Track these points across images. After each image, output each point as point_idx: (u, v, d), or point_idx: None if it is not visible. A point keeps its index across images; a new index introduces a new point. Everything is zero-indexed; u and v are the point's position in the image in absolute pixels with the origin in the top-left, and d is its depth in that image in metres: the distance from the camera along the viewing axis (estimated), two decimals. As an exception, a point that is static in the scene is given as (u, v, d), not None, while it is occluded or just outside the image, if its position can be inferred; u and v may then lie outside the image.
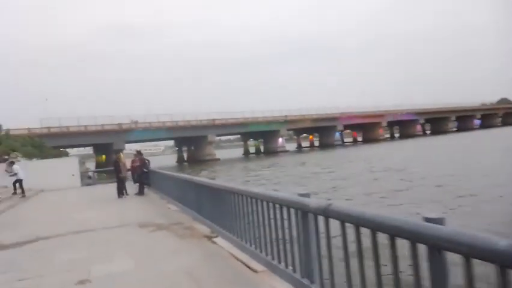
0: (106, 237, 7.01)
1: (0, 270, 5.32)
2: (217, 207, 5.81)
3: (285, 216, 3.58)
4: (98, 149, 74.53)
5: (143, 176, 13.61)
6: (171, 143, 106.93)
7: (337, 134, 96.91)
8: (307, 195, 3.21)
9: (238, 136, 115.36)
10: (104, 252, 5.78)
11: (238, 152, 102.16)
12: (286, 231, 3.57)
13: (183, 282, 4.08)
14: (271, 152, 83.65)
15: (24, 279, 4.75)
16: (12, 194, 15.61)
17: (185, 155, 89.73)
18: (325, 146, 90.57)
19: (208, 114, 76.38)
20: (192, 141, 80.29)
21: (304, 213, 3.15)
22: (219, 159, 74.38)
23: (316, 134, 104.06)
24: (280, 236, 3.78)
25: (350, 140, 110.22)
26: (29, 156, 32.56)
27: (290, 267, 3.60)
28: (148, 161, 14.09)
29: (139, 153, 14.11)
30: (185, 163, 78.44)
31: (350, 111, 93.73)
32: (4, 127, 36.66)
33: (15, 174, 16.40)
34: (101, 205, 12.17)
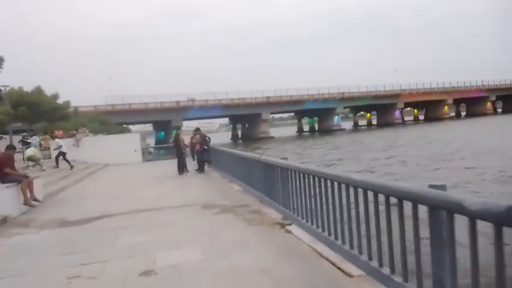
0: (170, 218, 6.60)
1: (64, 251, 5.05)
2: (292, 191, 5.07)
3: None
4: (158, 125, 77.33)
5: (204, 153, 13.27)
6: (226, 120, 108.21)
7: (397, 112, 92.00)
8: (442, 187, 2.32)
9: (292, 114, 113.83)
10: (169, 237, 5.32)
11: (292, 130, 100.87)
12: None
13: (262, 285, 3.40)
14: (326, 130, 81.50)
15: (87, 264, 4.39)
16: (55, 167, 15.90)
17: (239, 133, 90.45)
18: (384, 124, 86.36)
19: (263, 92, 75.67)
20: (246, 119, 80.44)
21: (439, 210, 2.27)
22: (273, 137, 73.96)
23: (373, 112, 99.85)
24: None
25: (411, 118, 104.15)
26: (95, 131, 34.31)
27: (399, 277, 2.78)
28: (209, 138, 13.72)
29: (198, 129, 13.75)
30: (240, 140, 78.90)
31: (412, 88, 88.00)
32: (73, 104, 38.69)
33: (60, 147, 16.86)
34: (163, 182, 12.02)
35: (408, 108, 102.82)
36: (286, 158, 5.77)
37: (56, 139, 17.82)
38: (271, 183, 6.13)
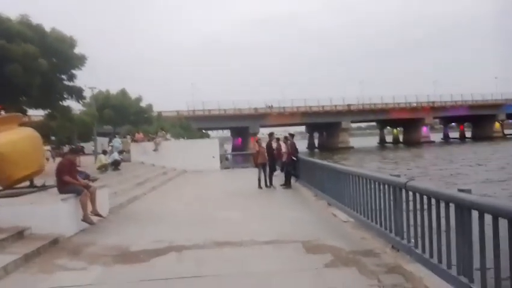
0: (262, 268, 4.49)
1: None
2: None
3: None
4: (235, 132, 77.63)
5: (292, 165, 11.12)
6: (301, 128, 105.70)
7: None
8: None
9: (371, 123, 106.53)
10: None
11: (371, 140, 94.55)
12: None
13: None
14: (411, 142, 74.57)
15: None
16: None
17: (316, 142, 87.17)
18: (479, 138, 76.49)
19: (344, 99, 71.81)
20: (324, 127, 77.14)
21: None
22: (352, 147, 69.72)
23: (466, 124, 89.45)
24: None
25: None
26: (177, 136, 34.40)
27: None
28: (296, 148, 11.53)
29: (290, 135, 11.62)
30: (316, 150, 75.76)
31: (517, 98, 77.06)
32: (156, 109, 39.48)
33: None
34: (247, 198, 10.10)
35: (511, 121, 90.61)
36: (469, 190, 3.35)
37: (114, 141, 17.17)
38: (421, 223, 3.75)
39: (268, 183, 11.44)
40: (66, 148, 20.00)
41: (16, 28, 11.27)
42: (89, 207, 6.85)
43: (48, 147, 21.17)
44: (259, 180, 11.46)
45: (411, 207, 4.16)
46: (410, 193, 4.07)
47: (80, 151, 8.61)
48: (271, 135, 12.15)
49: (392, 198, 4.53)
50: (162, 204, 9.76)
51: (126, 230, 6.71)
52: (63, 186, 6.69)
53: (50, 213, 6.11)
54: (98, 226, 6.90)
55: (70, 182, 6.68)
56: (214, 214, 8.00)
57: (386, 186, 4.65)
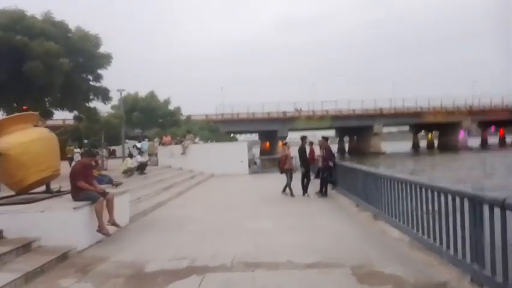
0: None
1: None
2: None
3: None
4: (263, 136, 76.78)
5: (328, 171, 10.11)
6: (331, 132, 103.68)
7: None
8: None
9: (403, 128, 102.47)
10: None
11: (404, 145, 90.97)
12: None
13: None
14: (448, 147, 71.04)
15: None
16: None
17: (346, 146, 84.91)
18: (520, 143, 71.91)
19: (376, 102, 69.40)
20: (355, 131, 74.95)
21: None
22: (384, 152, 67.19)
23: (509, 128, 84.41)
24: None
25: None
26: (205, 139, 34.00)
27: None
28: (337, 152, 10.54)
29: (324, 139, 10.64)
30: (347, 155, 73.63)
31: None
32: (185, 112, 39.29)
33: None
34: (279, 207, 9.18)
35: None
36: None
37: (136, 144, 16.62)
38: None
39: (302, 191, 10.51)
40: (103, 151, 19.77)
41: (39, 25, 10.95)
42: (106, 216, 6.17)
43: (78, 150, 21.08)
44: (289, 187, 10.63)
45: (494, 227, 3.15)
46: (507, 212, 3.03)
47: (96, 154, 7.99)
48: (304, 138, 11.15)
49: (474, 217, 3.50)
50: (188, 211, 9.00)
51: (145, 242, 5.95)
52: (77, 193, 6.03)
53: (60, 223, 5.45)
54: (115, 237, 6.19)
55: (85, 187, 6.01)
56: (243, 223, 7.15)
57: (466, 201, 3.62)
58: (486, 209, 3.33)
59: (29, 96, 11.40)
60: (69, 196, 6.32)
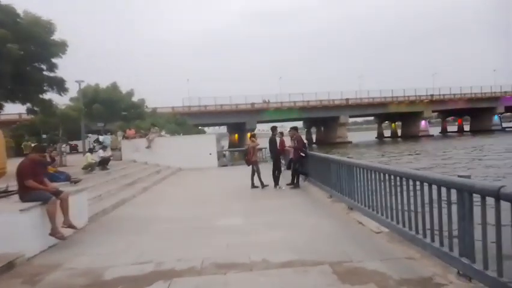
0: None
1: None
2: None
3: None
4: (232, 128, 76.18)
5: (300, 161, 9.84)
6: (299, 123, 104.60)
7: (495, 118, 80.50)
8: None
9: (367, 118, 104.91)
10: None
11: (368, 135, 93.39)
12: None
13: None
14: (410, 136, 73.59)
15: None
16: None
17: (314, 137, 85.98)
18: (478, 131, 75.62)
19: (342, 93, 70.52)
20: (322, 122, 76.03)
21: None
22: (350, 142, 68.75)
23: (466, 118, 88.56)
24: None
25: (511, 125, 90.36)
26: (172, 132, 32.98)
27: None
28: (306, 142, 10.29)
29: (294, 129, 10.38)
30: (314, 145, 74.53)
31: (517, 90, 76.15)
32: (150, 105, 37.97)
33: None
34: (250, 200, 8.85)
35: (509, 113, 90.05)
36: None
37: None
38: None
39: (274, 184, 10.21)
40: (62, 146, 18.52)
41: (-19, 8, 9.82)
42: (61, 218, 5.56)
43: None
44: (259, 177, 10.36)
45: (488, 218, 2.93)
46: (503, 203, 2.79)
47: (46, 148, 7.19)
48: (274, 129, 10.80)
49: (463, 207, 3.27)
50: (152, 209, 8.46)
51: (104, 246, 5.40)
52: (25, 193, 5.38)
53: (5, 227, 4.81)
54: (71, 241, 5.60)
55: (33, 187, 5.36)
56: (213, 221, 6.72)
57: (453, 190, 3.39)
58: (476, 199, 3.10)
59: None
60: (17, 197, 5.65)
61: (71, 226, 5.71)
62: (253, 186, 10.44)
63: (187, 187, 12.53)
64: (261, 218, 6.82)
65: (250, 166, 10.63)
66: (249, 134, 11.60)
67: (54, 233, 5.31)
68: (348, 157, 9.43)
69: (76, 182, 10.23)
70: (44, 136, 25.14)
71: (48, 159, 10.88)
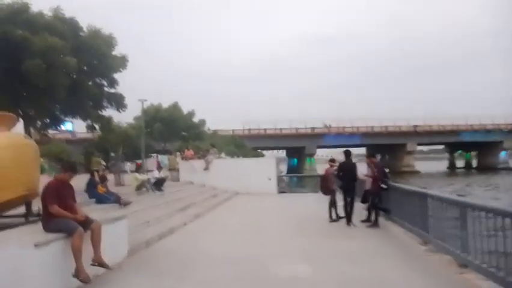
0: None
1: None
2: None
3: None
4: (290, 152, 74.70)
5: (379, 195, 8.07)
6: (361, 150, 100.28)
7: None
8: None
9: (435, 147, 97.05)
10: None
11: (437, 165, 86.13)
12: None
13: None
14: (487, 167, 66.38)
15: None
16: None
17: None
18: None
19: (409, 120, 66.22)
20: (387, 149, 71.62)
21: None
22: (418, 172, 63.59)
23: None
24: None
25: None
26: (231, 154, 32.39)
27: None
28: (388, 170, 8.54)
29: (371, 155, 8.65)
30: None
31: None
32: (211, 127, 38.04)
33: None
34: (318, 240, 7.16)
35: None
36: None
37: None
38: None
39: (346, 220, 8.52)
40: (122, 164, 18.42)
41: (43, 19, 9.66)
42: (91, 253, 4.51)
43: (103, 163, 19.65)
44: (335, 210, 8.82)
45: None
46: None
47: (76, 167, 6.25)
48: (349, 153, 9.07)
49: None
50: (203, 242, 7.23)
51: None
52: (48, 221, 4.41)
53: (13, 265, 3.78)
54: (99, 283, 4.49)
55: (58, 214, 4.37)
56: (273, 267, 5.27)
57: None
58: None
59: (28, 99, 10.07)
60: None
61: (101, 264, 4.63)
62: (331, 219, 8.92)
63: (244, 215, 11.22)
64: (336, 267, 5.26)
65: (327, 195, 9.19)
66: (330, 158, 10.02)
67: (78, 274, 4.23)
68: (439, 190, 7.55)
69: (125, 204, 9.44)
70: (113, 154, 25.62)
71: (97, 179, 10.32)
